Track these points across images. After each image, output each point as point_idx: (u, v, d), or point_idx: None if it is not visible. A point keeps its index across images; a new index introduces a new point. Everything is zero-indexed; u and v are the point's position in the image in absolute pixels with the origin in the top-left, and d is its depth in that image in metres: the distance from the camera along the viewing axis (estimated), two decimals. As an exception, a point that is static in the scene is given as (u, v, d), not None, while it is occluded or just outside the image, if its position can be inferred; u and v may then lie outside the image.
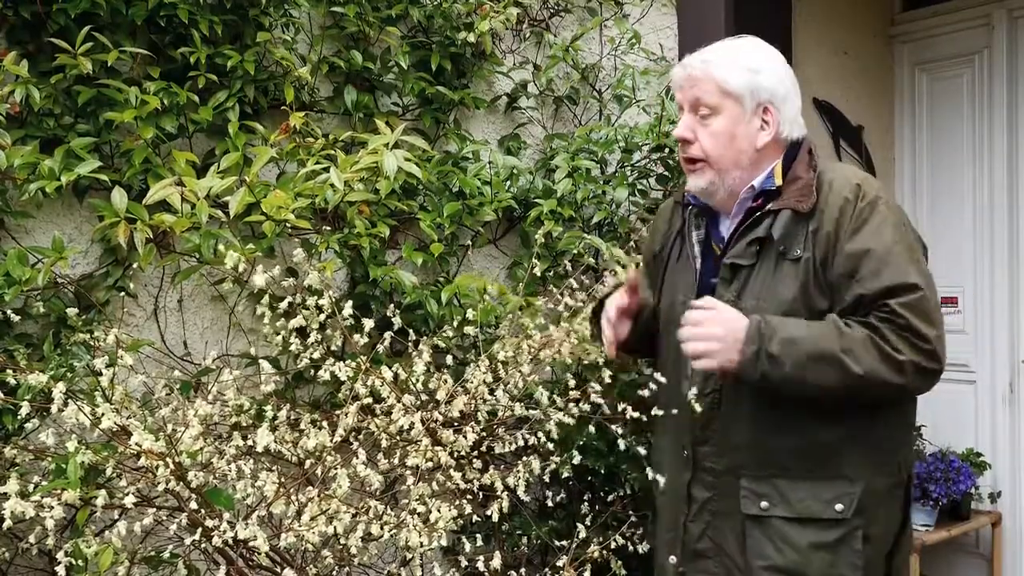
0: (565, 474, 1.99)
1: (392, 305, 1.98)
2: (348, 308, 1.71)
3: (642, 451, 1.80)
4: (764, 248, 1.68)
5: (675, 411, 1.75)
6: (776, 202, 1.69)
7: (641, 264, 1.98)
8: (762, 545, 1.66)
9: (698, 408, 1.69)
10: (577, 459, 2.01)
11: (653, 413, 1.78)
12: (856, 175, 1.73)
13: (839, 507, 1.63)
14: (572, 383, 1.89)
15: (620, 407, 1.81)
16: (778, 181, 1.70)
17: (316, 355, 1.74)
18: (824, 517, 1.64)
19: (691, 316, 1.61)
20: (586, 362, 1.89)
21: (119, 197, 1.78)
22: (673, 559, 1.79)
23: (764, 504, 1.66)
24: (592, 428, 1.95)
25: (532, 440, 1.86)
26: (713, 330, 1.59)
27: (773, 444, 1.66)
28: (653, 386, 1.78)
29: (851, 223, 1.64)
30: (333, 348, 1.82)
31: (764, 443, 1.67)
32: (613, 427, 1.82)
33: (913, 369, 1.58)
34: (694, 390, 1.70)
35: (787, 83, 1.73)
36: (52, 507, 1.44)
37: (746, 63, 1.71)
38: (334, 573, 1.72)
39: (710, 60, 1.71)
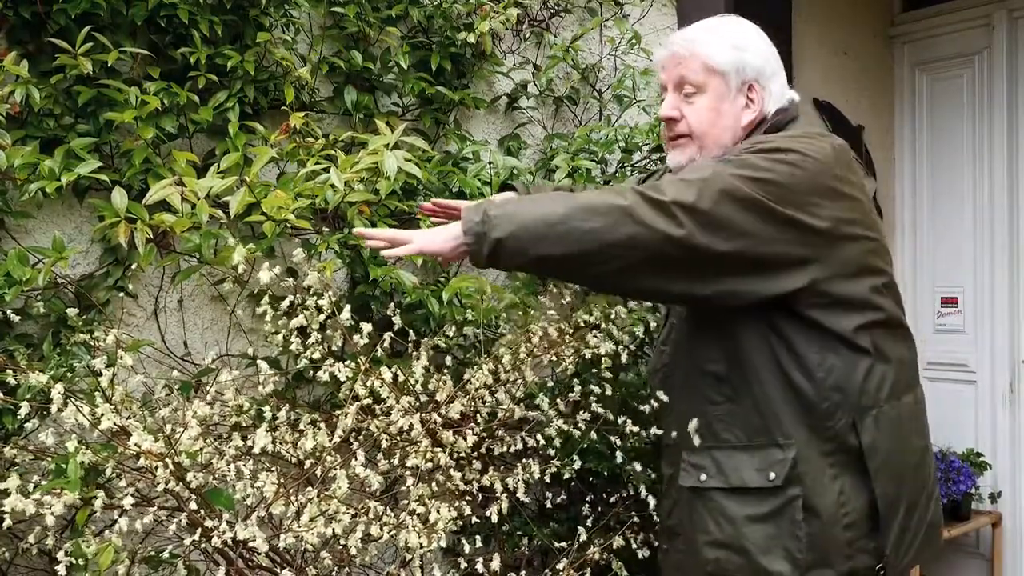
0: (566, 475, 1.99)
1: (393, 305, 1.98)
2: (347, 312, 1.71)
3: (638, 467, 1.81)
4: None
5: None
6: None
7: None
8: (704, 519, 1.67)
9: (653, 386, 1.74)
10: (578, 464, 2.01)
11: (653, 432, 1.80)
12: (789, 133, 1.67)
13: (772, 475, 1.60)
14: (575, 390, 1.90)
15: (620, 420, 1.82)
16: None
17: (316, 355, 1.74)
18: (757, 486, 1.61)
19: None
20: (588, 356, 1.89)
21: (119, 197, 1.78)
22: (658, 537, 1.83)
23: (703, 476, 1.67)
24: (593, 433, 1.95)
25: (532, 442, 1.87)
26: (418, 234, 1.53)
27: (710, 414, 1.67)
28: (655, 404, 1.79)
29: None
30: (333, 348, 1.82)
31: (700, 413, 1.68)
32: (612, 438, 1.82)
33: (631, 193, 1.46)
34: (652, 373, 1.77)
35: (772, 61, 1.72)
36: (52, 505, 1.44)
37: (731, 40, 1.70)
38: (334, 574, 1.72)
39: (694, 38, 1.70)
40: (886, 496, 1.63)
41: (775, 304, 1.58)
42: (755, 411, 1.64)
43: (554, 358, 1.85)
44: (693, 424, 1.69)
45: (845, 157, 1.65)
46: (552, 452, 1.97)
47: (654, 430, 1.82)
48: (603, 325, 1.97)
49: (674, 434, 1.74)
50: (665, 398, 1.79)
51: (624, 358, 1.99)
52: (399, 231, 1.54)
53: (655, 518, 2.15)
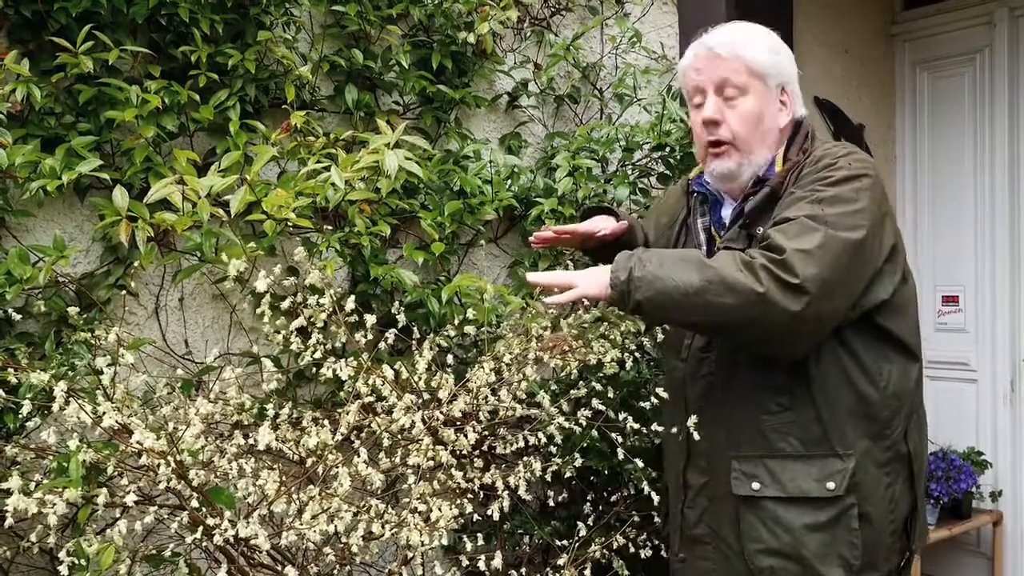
0: (568, 474, 1.99)
1: (397, 303, 1.98)
2: (351, 303, 1.71)
3: (640, 463, 1.80)
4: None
5: (665, 395, 1.78)
6: (764, 184, 1.69)
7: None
8: (756, 528, 1.66)
9: (691, 395, 1.71)
10: (579, 461, 2.00)
11: (653, 428, 1.78)
12: (840, 148, 1.69)
13: (831, 485, 1.61)
14: (579, 389, 1.89)
15: (621, 416, 1.82)
16: (779, 169, 1.70)
17: (317, 354, 1.74)
18: (815, 496, 1.62)
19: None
20: (591, 361, 1.89)
21: (120, 196, 1.78)
22: (677, 545, 1.80)
23: (755, 485, 1.66)
24: (594, 431, 1.95)
25: (533, 440, 1.86)
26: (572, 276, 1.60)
27: (762, 423, 1.66)
28: (655, 401, 1.78)
29: (796, 184, 1.64)
30: (335, 347, 1.82)
31: (754, 422, 1.67)
32: (613, 435, 1.82)
33: (765, 273, 1.50)
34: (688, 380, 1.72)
35: (795, 66, 1.76)
36: (54, 503, 1.44)
37: (767, 44, 1.71)
38: (335, 572, 1.72)
39: (736, 40, 1.70)
40: (919, 496, 1.70)
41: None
42: (816, 421, 1.64)
43: (559, 361, 1.85)
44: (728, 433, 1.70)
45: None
46: (553, 450, 1.97)
47: (655, 426, 1.81)
48: (609, 335, 1.96)
49: (717, 442, 1.72)
50: (665, 396, 1.78)
51: (628, 364, 1.99)
52: (566, 275, 1.60)
53: (656, 519, 2.15)
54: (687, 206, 1.87)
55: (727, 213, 1.77)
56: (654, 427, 1.77)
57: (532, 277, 1.62)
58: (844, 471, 1.62)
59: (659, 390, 1.78)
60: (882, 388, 1.65)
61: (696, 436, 1.73)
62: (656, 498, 1.86)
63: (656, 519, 2.15)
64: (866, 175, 1.61)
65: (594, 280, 1.56)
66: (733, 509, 1.69)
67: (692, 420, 1.72)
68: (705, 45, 1.72)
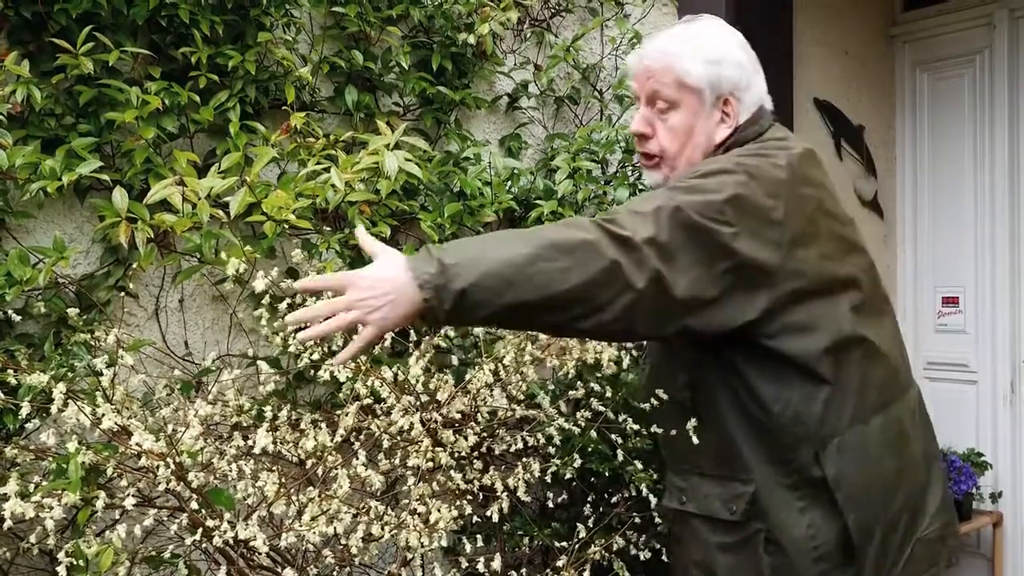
0: (567, 475, 1.99)
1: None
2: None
3: (639, 465, 1.81)
4: None
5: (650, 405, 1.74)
6: None
7: None
8: (685, 540, 1.69)
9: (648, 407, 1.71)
10: (578, 462, 2.00)
11: (653, 430, 1.78)
12: (752, 147, 1.56)
13: (732, 507, 1.58)
14: (579, 390, 1.89)
15: (621, 418, 1.82)
16: None
17: (316, 356, 1.74)
18: (722, 518, 1.60)
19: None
20: (589, 362, 1.89)
21: (120, 197, 1.78)
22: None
23: (683, 499, 1.67)
24: (594, 432, 1.95)
25: (532, 441, 1.86)
26: (358, 296, 1.28)
27: (683, 439, 1.64)
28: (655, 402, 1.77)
29: None
30: (334, 348, 1.82)
31: (678, 438, 1.65)
32: (613, 436, 1.82)
33: (593, 226, 1.34)
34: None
35: (748, 69, 1.62)
36: (52, 508, 1.44)
37: (707, 54, 1.58)
38: (335, 573, 1.72)
39: (669, 51, 1.60)
40: (859, 524, 1.54)
41: (727, 336, 1.47)
42: (719, 442, 1.59)
43: (556, 361, 1.85)
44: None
45: (801, 166, 1.54)
46: (552, 451, 1.97)
47: (654, 428, 1.81)
48: None
49: (667, 455, 1.76)
50: (664, 397, 1.77)
51: (626, 363, 1.98)
52: (340, 277, 1.32)
53: (656, 521, 2.15)
54: None
55: None
56: (654, 429, 1.77)
57: (299, 284, 1.35)
58: (743, 495, 1.56)
59: (659, 391, 1.77)
60: (777, 414, 1.52)
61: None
62: (654, 501, 1.86)
63: (657, 522, 2.15)
64: (744, 171, 1.44)
65: (380, 303, 1.26)
66: (678, 519, 1.74)
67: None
68: (640, 53, 1.63)
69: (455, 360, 1.89)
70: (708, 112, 1.61)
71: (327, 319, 1.29)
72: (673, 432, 1.66)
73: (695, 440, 1.62)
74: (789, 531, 1.54)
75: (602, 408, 1.82)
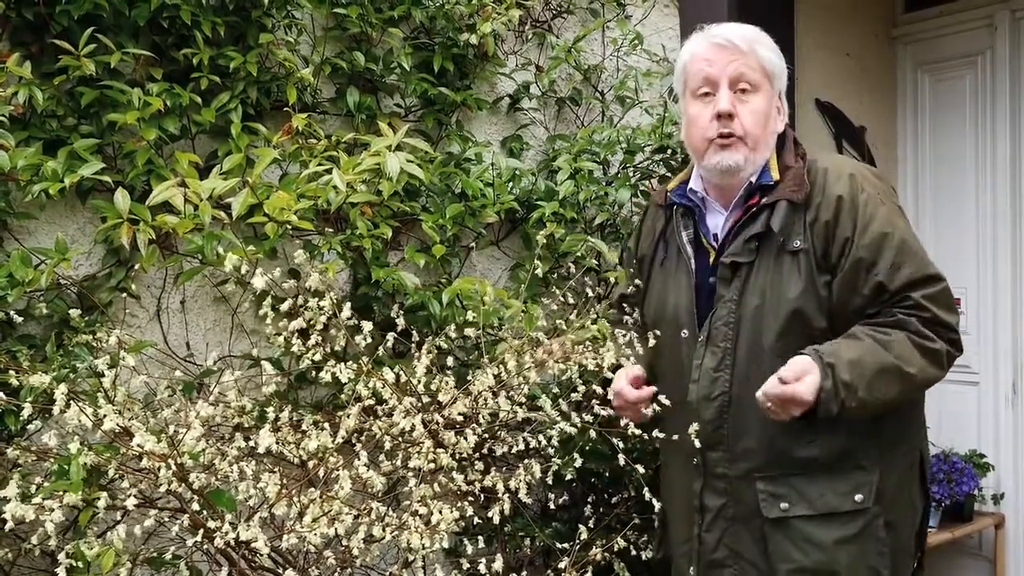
0: (568, 476, 1.99)
1: (396, 306, 1.98)
2: (347, 310, 1.71)
3: (641, 469, 1.80)
4: (763, 243, 1.64)
5: (672, 437, 1.72)
6: (771, 195, 1.65)
7: (631, 280, 1.94)
8: (786, 548, 1.63)
9: (706, 416, 1.66)
10: (579, 462, 2.00)
11: (655, 434, 1.76)
12: (847, 164, 1.69)
13: (859, 497, 1.60)
14: (579, 391, 1.89)
15: (623, 422, 1.81)
16: (775, 175, 1.67)
17: (317, 357, 1.74)
18: (845, 510, 1.60)
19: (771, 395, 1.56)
20: (589, 366, 1.88)
21: (122, 198, 1.78)
22: (692, 571, 1.75)
23: (784, 505, 1.63)
24: (594, 433, 1.95)
25: (534, 443, 1.86)
26: (796, 391, 1.53)
27: (786, 443, 1.63)
28: (656, 407, 1.74)
29: (855, 215, 1.59)
30: (336, 349, 1.82)
31: (777, 442, 1.63)
32: (614, 440, 1.81)
33: (947, 358, 1.58)
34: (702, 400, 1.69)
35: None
36: (53, 510, 1.44)
37: (776, 49, 1.69)
38: (336, 574, 1.72)
39: (753, 38, 1.67)
40: (928, 497, 1.71)
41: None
42: (839, 435, 1.61)
43: (560, 365, 1.85)
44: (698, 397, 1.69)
45: None
46: (552, 452, 1.97)
47: (655, 432, 1.80)
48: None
49: (738, 465, 1.68)
50: (667, 403, 1.76)
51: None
52: (796, 389, 1.53)
53: (656, 523, 2.14)
54: (665, 218, 1.82)
55: (716, 222, 1.73)
56: (655, 433, 1.76)
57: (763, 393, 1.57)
58: (870, 483, 1.61)
59: (662, 398, 1.76)
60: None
61: (714, 456, 1.70)
62: (657, 504, 1.85)
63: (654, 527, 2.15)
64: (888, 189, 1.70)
65: (808, 387, 1.53)
66: (758, 530, 1.65)
67: (693, 430, 1.68)
68: (723, 36, 1.67)
69: (451, 361, 1.89)
70: (774, 102, 1.70)
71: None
72: (772, 436, 1.66)
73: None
74: (899, 510, 1.64)
75: (603, 412, 1.81)
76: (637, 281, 1.90)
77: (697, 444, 1.68)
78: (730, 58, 1.65)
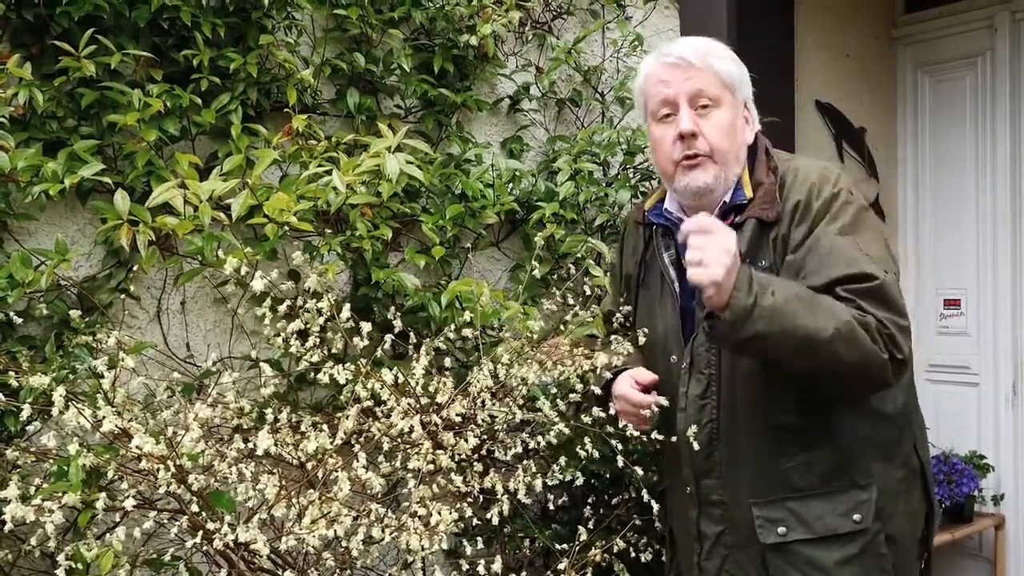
0: (568, 477, 1.98)
1: (393, 308, 1.98)
2: (346, 311, 1.71)
3: (639, 471, 1.79)
4: None
5: (673, 439, 1.69)
6: (742, 214, 1.62)
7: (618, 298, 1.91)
8: (787, 572, 1.61)
9: (695, 444, 1.63)
10: (580, 464, 2.00)
11: (653, 436, 1.75)
12: (814, 171, 1.63)
13: (857, 517, 1.58)
14: (578, 391, 1.89)
15: (621, 424, 1.80)
16: (748, 193, 1.63)
17: (316, 358, 1.74)
18: (844, 531, 1.58)
19: (693, 234, 1.46)
20: (587, 368, 1.88)
21: (122, 199, 1.78)
22: None
23: (781, 530, 1.60)
24: (588, 441, 1.95)
25: (533, 444, 1.86)
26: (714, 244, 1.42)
27: (779, 465, 1.61)
28: (655, 408, 1.74)
29: (805, 220, 1.57)
30: (335, 351, 1.82)
31: (770, 466, 1.61)
32: (613, 442, 1.81)
33: (884, 341, 1.48)
34: (692, 428, 1.64)
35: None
36: (52, 511, 1.44)
37: (733, 56, 1.65)
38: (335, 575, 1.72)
39: (707, 51, 1.63)
40: (933, 500, 1.69)
41: None
42: (833, 455, 1.60)
43: (560, 367, 1.84)
44: (691, 428, 1.64)
45: None
46: (551, 454, 1.97)
47: (655, 434, 1.80)
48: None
49: (732, 491, 1.66)
50: (665, 403, 1.75)
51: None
52: (720, 227, 1.45)
53: (657, 525, 2.14)
54: (644, 239, 1.79)
55: None
56: (655, 435, 1.76)
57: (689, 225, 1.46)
58: (868, 501, 1.59)
59: (661, 398, 1.75)
60: (898, 405, 1.64)
61: (696, 485, 1.70)
62: (656, 506, 1.85)
63: (657, 525, 2.15)
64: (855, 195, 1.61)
65: (720, 272, 1.40)
66: (758, 556, 1.63)
67: (697, 469, 1.68)
68: (675, 54, 1.63)
69: (449, 362, 1.89)
70: (740, 113, 1.65)
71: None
72: (763, 462, 1.63)
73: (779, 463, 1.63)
74: (898, 523, 1.62)
75: (603, 414, 1.81)
76: (622, 301, 1.87)
77: (691, 473, 1.70)
78: (685, 76, 1.61)
